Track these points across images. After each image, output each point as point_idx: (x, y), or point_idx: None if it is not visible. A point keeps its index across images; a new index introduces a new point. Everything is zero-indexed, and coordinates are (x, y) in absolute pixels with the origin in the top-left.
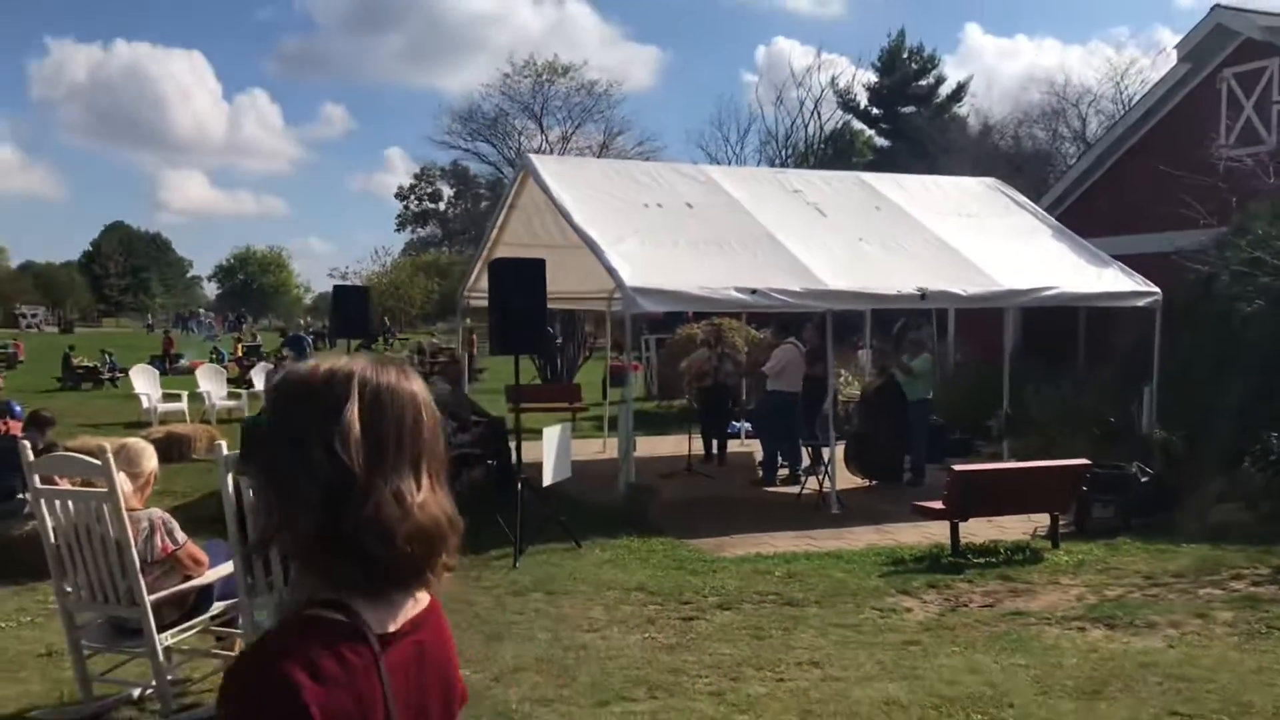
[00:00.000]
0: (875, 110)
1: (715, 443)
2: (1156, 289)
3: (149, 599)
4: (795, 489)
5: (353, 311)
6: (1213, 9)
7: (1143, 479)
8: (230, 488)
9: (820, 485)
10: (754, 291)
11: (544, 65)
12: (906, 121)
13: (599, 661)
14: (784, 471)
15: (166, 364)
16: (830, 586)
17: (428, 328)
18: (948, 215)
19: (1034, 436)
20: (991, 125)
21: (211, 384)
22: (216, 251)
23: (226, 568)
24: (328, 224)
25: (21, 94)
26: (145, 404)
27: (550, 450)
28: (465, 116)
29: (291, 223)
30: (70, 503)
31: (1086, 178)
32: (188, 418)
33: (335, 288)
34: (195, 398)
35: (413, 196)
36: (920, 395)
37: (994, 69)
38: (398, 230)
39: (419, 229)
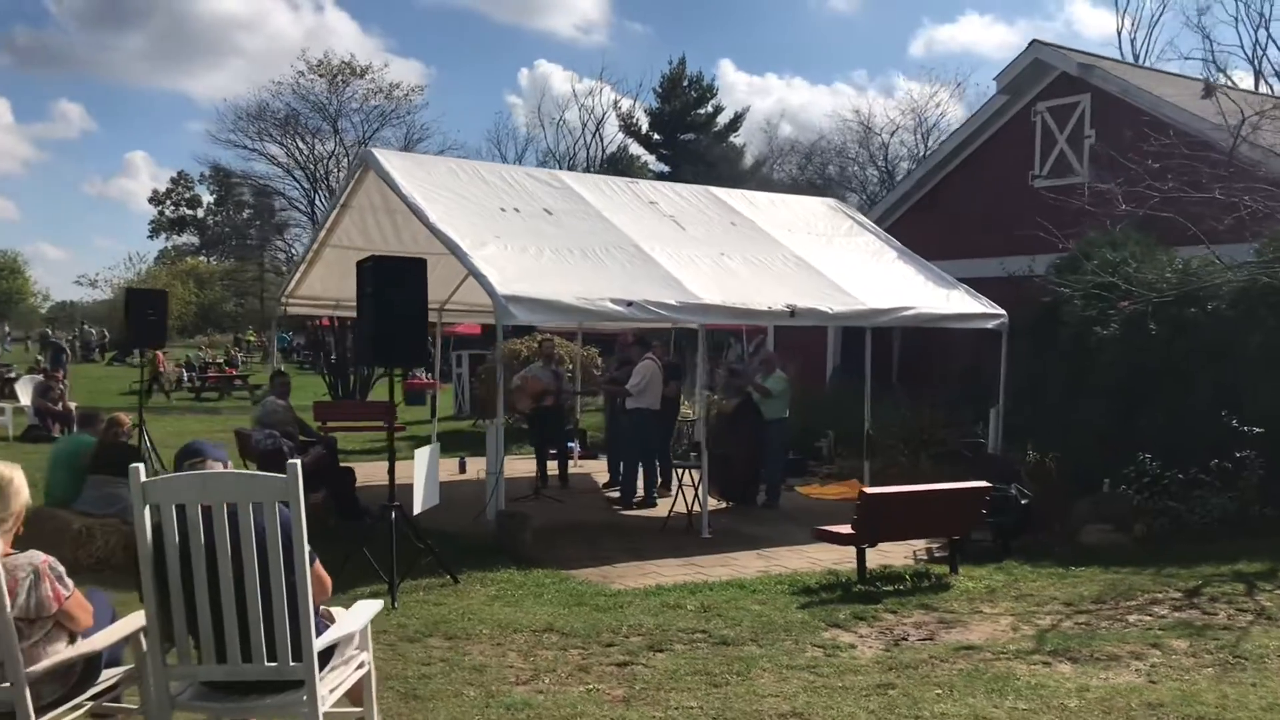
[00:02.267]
0: (656, 135)
1: (555, 464)
2: (1003, 311)
3: (27, 672)
4: (651, 512)
5: (147, 317)
6: (1031, 43)
7: (1022, 500)
8: (146, 520)
9: (689, 508)
10: (630, 304)
11: (340, 65)
12: (685, 148)
13: None
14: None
15: None
16: (755, 622)
17: (186, 340)
18: (799, 233)
19: (876, 458)
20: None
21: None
22: None
23: (128, 624)
24: (62, 230)
25: None
26: None
27: (421, 474)
28: (255, 115)
29: (21, 227)
30: None
31: (903, 203)
32: (11, 431)
33: (129, 291)
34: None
35: (168, 202)
36: (778, 414)
37: (746, 104)
38: (151, 237)
39: (175, 236)
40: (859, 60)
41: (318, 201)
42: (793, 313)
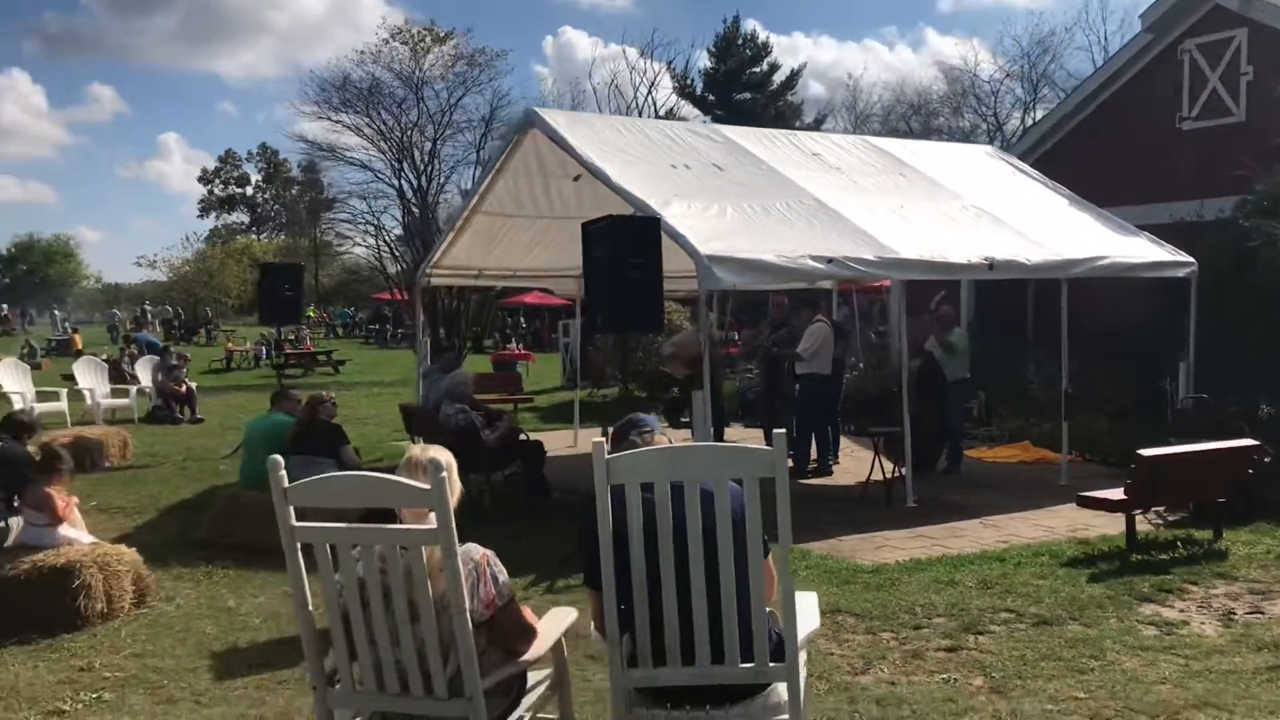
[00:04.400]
0: (710, 96)
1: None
2: (1191, 259)
3: (482, 685)
4: (827, 481)
5: (282, 292)
6: None
7: (1265, 458)
8: (607, 503)
9: (888, 477)
10: (830, 260)
11: (419, 32)
12: (741, 107)
13: None
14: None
15: None
16: (1055, 598)
17: (245, 319)
18: (969, 182)
19: (1038, 417)
20: (826, 112)
21: (94, 381)
22: None
23: (558, 624)
24: (99, 213)
25: None
26: (18, 405)
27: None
28: (338, 86)
29: (60, 211)
30: (370, 547)
31: (1035, 150)
32: (68, 419)
33: (263, 266)
34: (75, 396)
35: (217, 180)
36: (959, 374)
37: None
38: (201, 216)
39: (225, 214)
40: (888, 15)
41: (405, 173)
42: (991, 265)
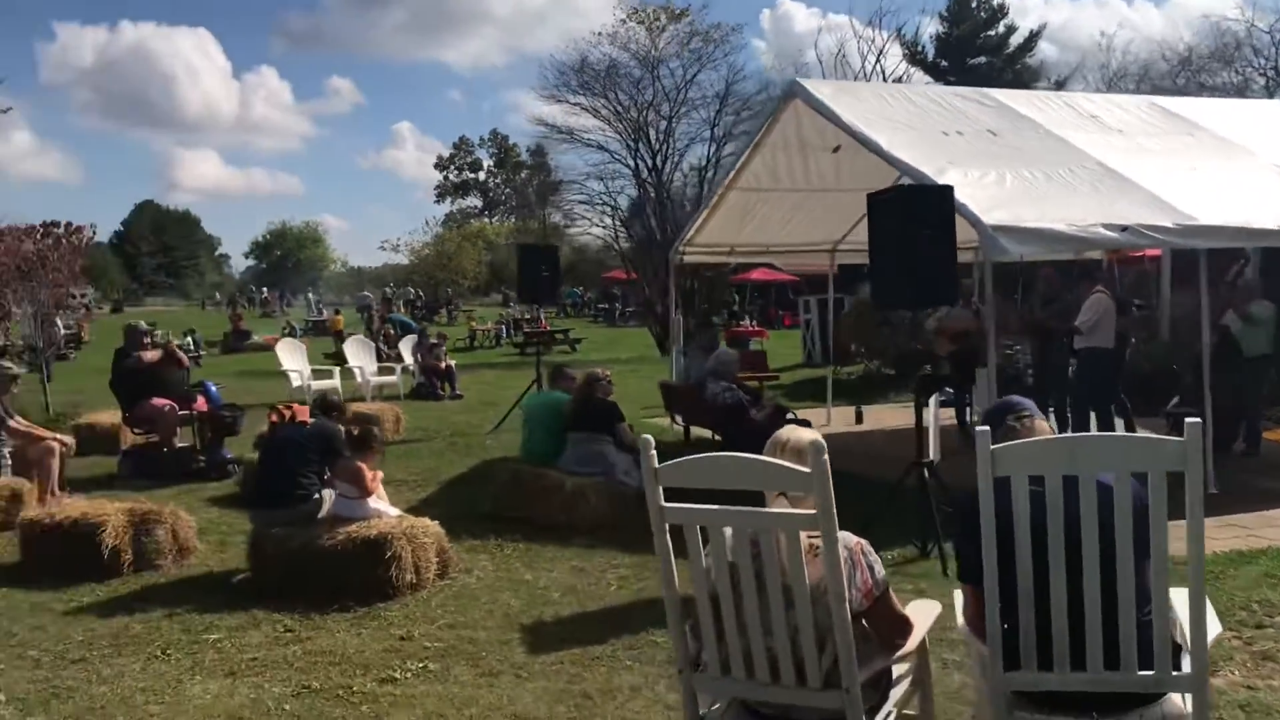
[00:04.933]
0: (943, 62)
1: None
2: None
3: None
4: None
5: (539, 273)
6: None
7: None
8: (989, 496)
9: None
10: (1124, 229)
11: (656, 11)
12: (975, 72)
13: None
14: None
15: (236, 341)
16: None
17: (481, 299)
18: (1266, 139)
19: None
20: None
21: (363, 359)
22: (232, 229)
23: (928, 616)
24: (341, 200)
25: (32, 78)
26: (296, 381)
27: (933, 425)
28: (576, 68)
29: (305, 200)
30: (742, 530)
31: None
32: (341, 397)
33: (520, 247)
34: (346, 374)
35: (451, 167)
36: (1260, 350)
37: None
38: (437, 201)
39: (459, 199)
40: None
41: (641, 153)
42: None
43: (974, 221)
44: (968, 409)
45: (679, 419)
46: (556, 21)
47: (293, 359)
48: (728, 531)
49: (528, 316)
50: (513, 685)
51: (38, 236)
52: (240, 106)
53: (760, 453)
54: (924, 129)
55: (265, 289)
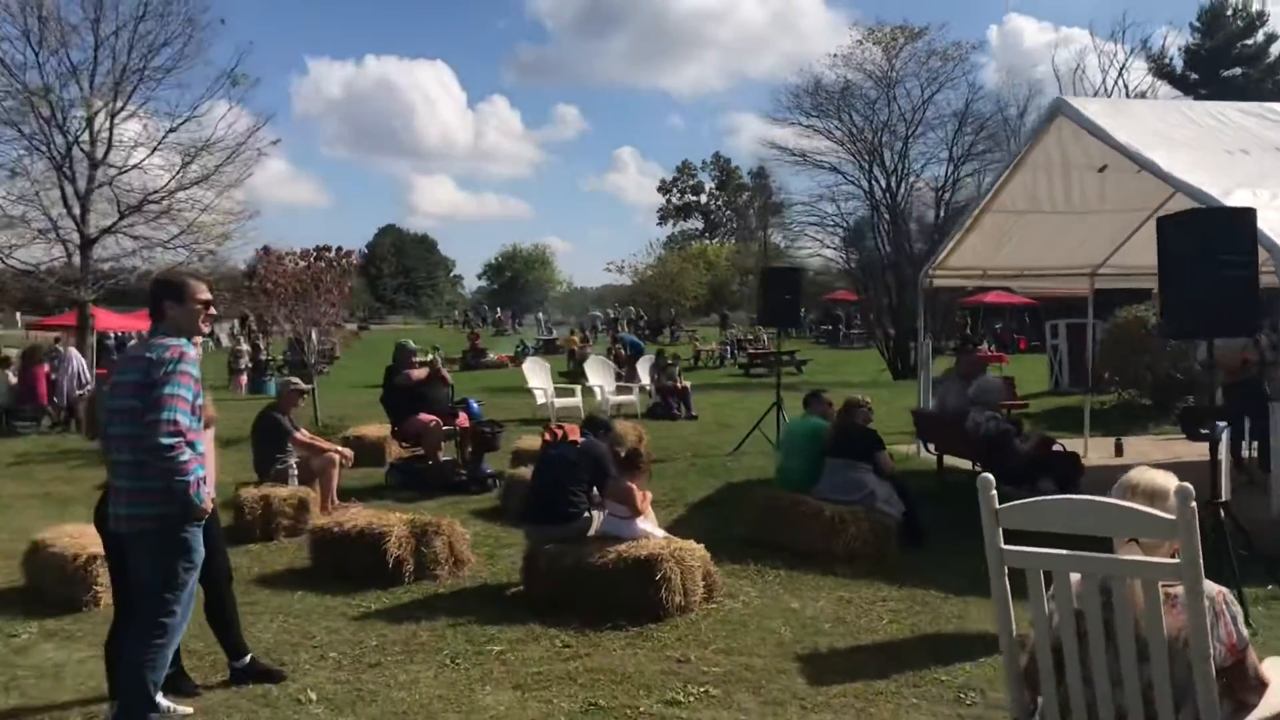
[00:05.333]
0: (1193, 75)
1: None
2: None
3: None
4: None
5: (782, 296)
6: None
7: None
8: None
9: None
10: None
11: (890, 31)
12: (1229, 85)
13: None
14: None
15: (474, 359)
16: None
17: (701, 320)
18: None
19: None
20: None
21: (602, 378)
22: (465, 250)
23: None
24: (565, 223)
25: (287, 111)
26: (540, 399)
27: (1225, 461)
28: (809, 90)
29: (533, 223)
30: (1092, 576)
31: None
32: (582, 414)
33: (765, 270)
34: (586, 392)
35: (674, 190)
36: None
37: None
38: (659, 223)
39: (681, 221)
40: None
41: (875, 174)
42: None
43: (1269, 246)
44: (1243, 443)
45: (931, 447)
46: (778, 45)
47: (537, 377)
48: (1074, 577)
49: (750, 337)
50: (798, 715)
51: (311, 259)
52: (474, 135)
53: (1024, 484)
54: (1206, 147)
55: (499, 308)
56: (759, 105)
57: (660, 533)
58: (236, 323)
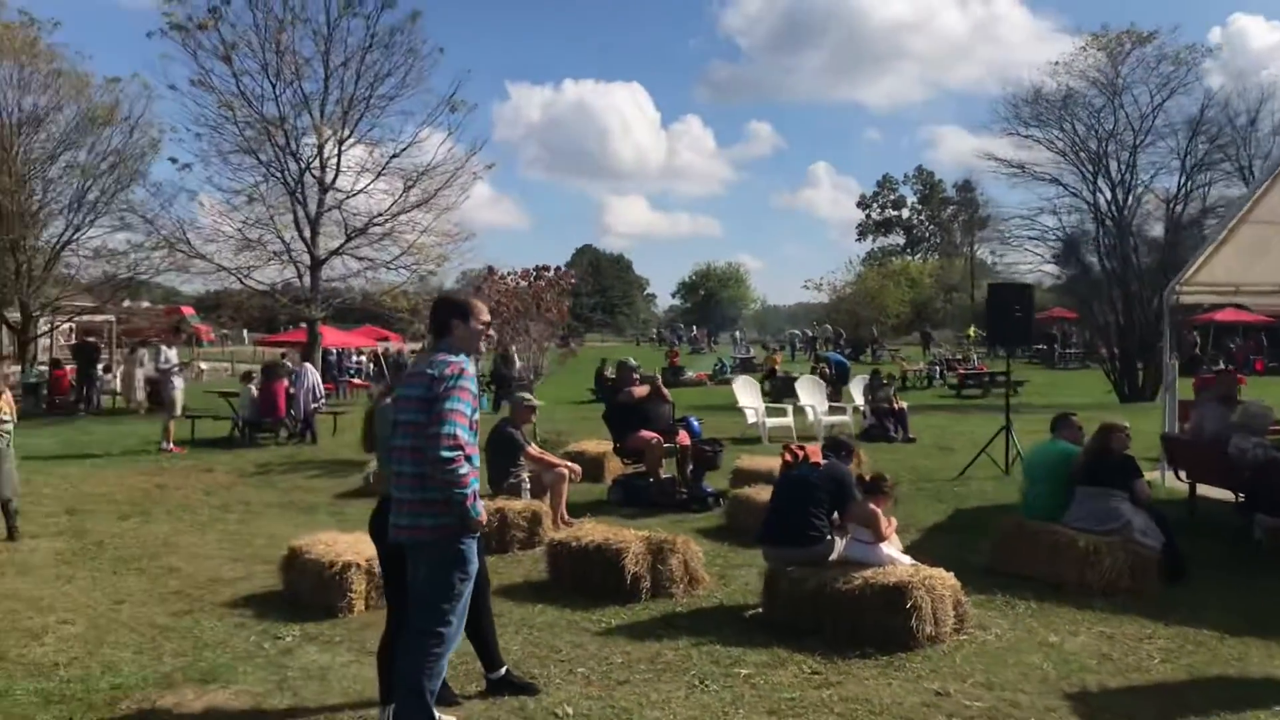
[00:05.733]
0: None
1: None
2: None
3: None
4: None
5: (1011, 313)
6: None
7: None
8: None
9: None
10: None
11: (1120, 36)
12: None
13: None
14: None
15: (672, 376)
16: None
17: (904, 339)
18: None
19: None
20: None
21: (814, 398)
22: (657, 269)
23: None
24: (756, 241)
25: (490, 136)
26: (751, 418)
27: None
28: (1029, 100)
29: (724, 241)
30: None
31: None
32: (794, 434)
33: (991, 286)
34: (798, 412)
35: (874, 205)
36: None
37: None
38: (858, 239)
39: (881, 237)
40: None
41: (1099, 185)
42: None
43: None
44: None
45: (1182, 475)
46: (979, 54)
47: (748, 396)
48: None
49: (959, 356)
50: None
51: (531, 278)
52: (667, 154)
53: None
54: None
55: (694, 326)
56: (960, 117)
57: (907, 559)
58: None
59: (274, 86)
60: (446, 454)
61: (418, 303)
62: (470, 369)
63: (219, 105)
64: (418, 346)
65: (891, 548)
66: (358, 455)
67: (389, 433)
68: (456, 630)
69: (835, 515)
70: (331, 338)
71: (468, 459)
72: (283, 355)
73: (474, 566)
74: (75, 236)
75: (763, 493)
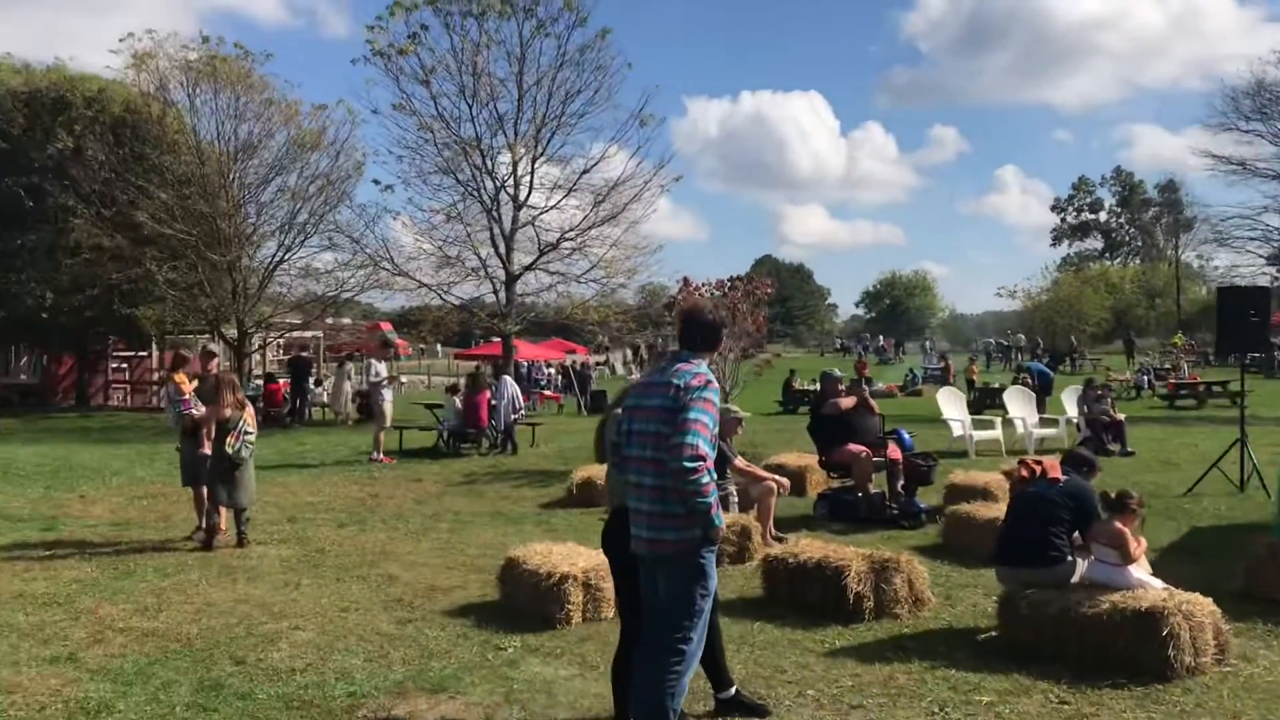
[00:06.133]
0: None
1: None
2: None
3: None
4: None
5: (1243, 319)
6: None
7: None
8: None
9: None
10: None
11: None
12: None
13: None
14: None
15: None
16: None
17: (1104, 347)
18: None
19: None
20: None
21: (1024, 409)
22: (837, 278)
23: None
24: (941, 248)
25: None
26: (957, 431)
27: None
28: (1250, 92)
29: (907, 249)
30: None
31: None
32: (1003, 447)
33: (1222, 290)
34: (1006, 424)
35: (1069, 209)
36: None
37: None
38: (1053, 244)
39: (1077, 241)
40: None
41: None
42: None
43: None
44: None
45: None
46: (1177, 50)
47: (953, 408)
48: None
49: (1168, 366)
50: None
51: (727, 289)
52: (846, 162)
53: None
54: None
55: (880, 336)
56: (1158, 115)
57: (1158, 582)
58: (629, 351)
59: (470, 108)
60: (689, 464)
61: (608, 315)
62: (714, 380)
63: (419, 128)
64: (601, 358)
65: (1140, 570)
66: (558, 465)
67: (622, 442)
68: (698, 647)
69: (1076, 535)
70: (522, 351)
71: (708, 471)
72: (477, 368)
73: (714, 582)
74: (286, 257)
75: (982, 510)
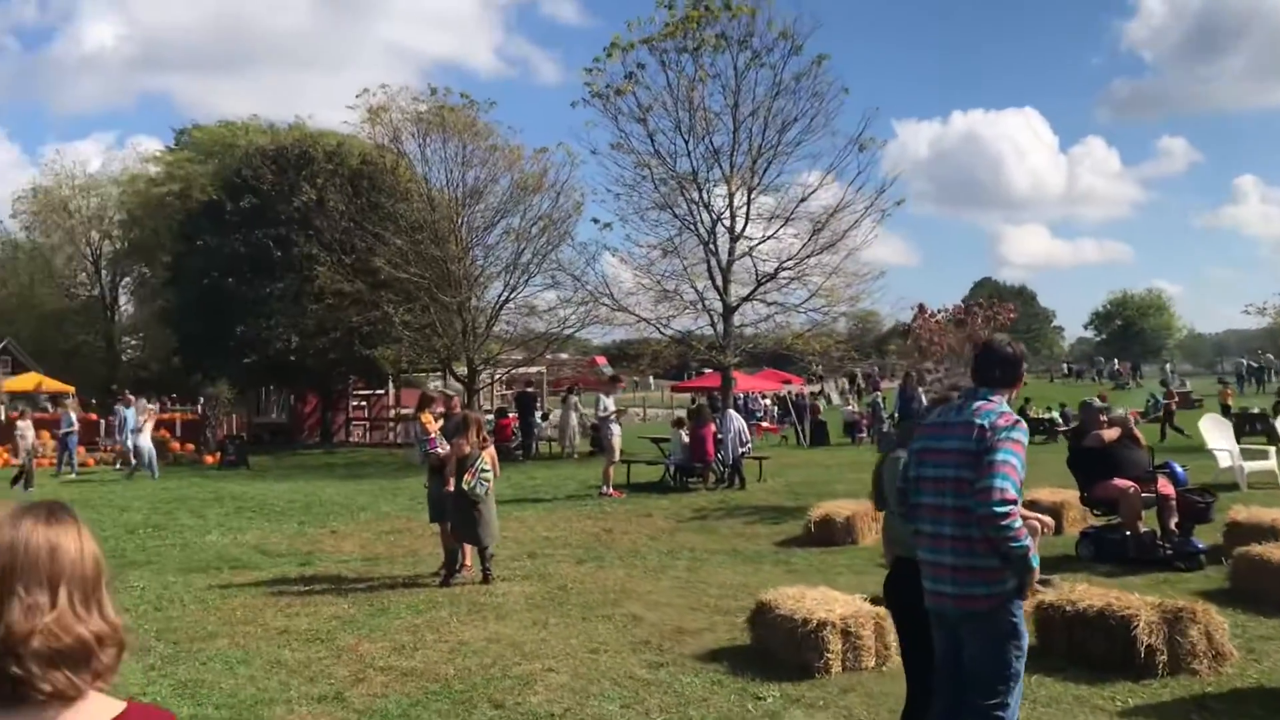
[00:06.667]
0: None
1: None
2: None
3: None
4: None
5: None
6: None
7: None
8: None
9: None
10: None
11: None
12: None
13: None
14: None
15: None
16: None
17: None
18: None
19: None
20: None
21: None
22: (1061, 299)
23: None
24: (1173, 264)
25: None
26: (1224, 462)
27: None
28: None
29: (1135, 267)
30: None
31: None
32: (1279, 478)
33: None
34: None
35: None
36: None
37: None
38: None
39: None
40: None
41: None
42: None
43: None
44: None
45: None
46: None
47: (1219, 437)
48: None
49: None
50: None
51: (964, 314)
52: (1066, 178)
53: None
54: None
55: (1115, 359)
56: None
57: None
58: (845, 380)
59: (687, 143)
60: (1000, 509)
61: (829, 345)
62: (1022, 420)
63: (636, 165)
64: (815, 388)
65: None
66: (789, 501)
67: (910, 489)
68: (1013, 712)
69: None
70: (739, 383)
71: (1019, 517)
72: (694, 400)
73: (1026, 640)
74: (512, 296)
75: (1276, 551)
